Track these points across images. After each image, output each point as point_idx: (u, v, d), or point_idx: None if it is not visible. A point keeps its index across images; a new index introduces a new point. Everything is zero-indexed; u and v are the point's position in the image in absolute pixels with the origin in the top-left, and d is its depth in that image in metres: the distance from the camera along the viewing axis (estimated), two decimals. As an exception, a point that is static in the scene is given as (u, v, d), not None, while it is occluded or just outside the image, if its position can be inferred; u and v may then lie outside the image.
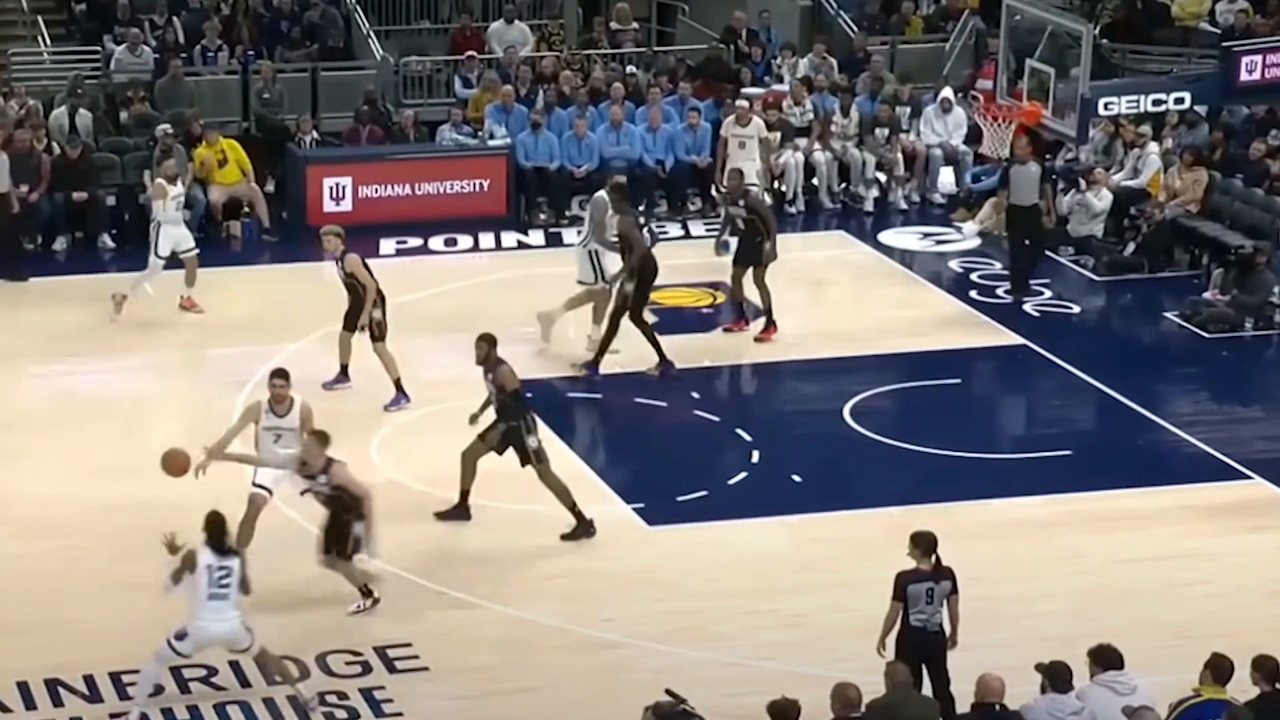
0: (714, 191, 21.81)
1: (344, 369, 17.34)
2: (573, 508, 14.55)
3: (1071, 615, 13.39)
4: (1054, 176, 22.57)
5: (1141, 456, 16.39)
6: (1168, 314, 19.70)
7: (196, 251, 19.44)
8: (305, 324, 18.95)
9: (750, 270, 18.43)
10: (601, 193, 18.48)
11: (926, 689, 11.32)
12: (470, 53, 24.40)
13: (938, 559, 11.81)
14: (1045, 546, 14.69)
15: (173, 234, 19.25)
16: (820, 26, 26.27)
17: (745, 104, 21.39)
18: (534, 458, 14.57)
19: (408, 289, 19.56)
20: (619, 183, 18.61)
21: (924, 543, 11.82)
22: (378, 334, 16.95)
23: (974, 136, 22.41)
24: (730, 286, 18.68)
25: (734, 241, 19.25)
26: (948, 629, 11.79)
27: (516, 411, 14.65)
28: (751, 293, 18.65)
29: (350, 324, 17.14)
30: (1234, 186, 21.29)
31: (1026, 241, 19.81)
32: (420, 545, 14.50)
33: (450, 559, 14.32)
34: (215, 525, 12.21)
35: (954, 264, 20.77)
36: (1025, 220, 19.50)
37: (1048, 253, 21.50)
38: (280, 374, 14.41)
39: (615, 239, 17.89)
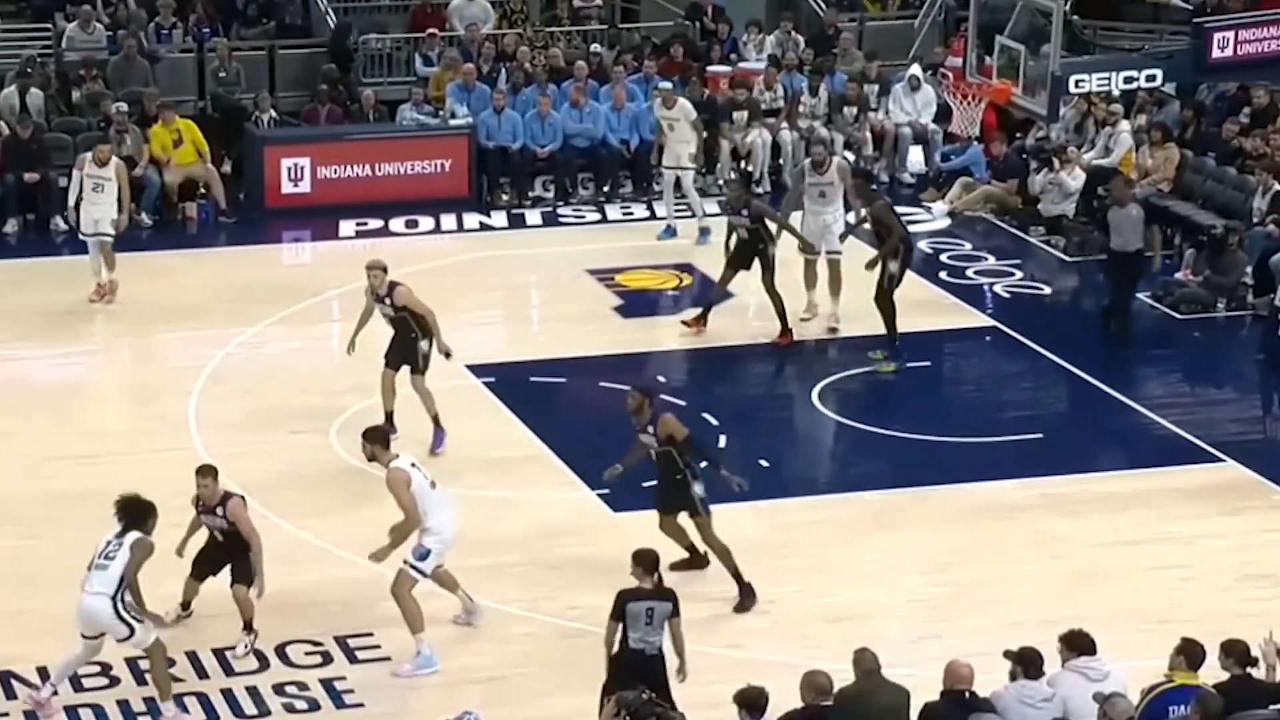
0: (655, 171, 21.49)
1: (389, 417, 15.63)
2: (735, 572, 13.40)
3: (1043, 600, 13.43)
4: (1024, 155, 22.64)
5: (1113, 439, 16.44)
6: (1140, 294, 19.73)
7: (111, 238, 18.83)
8: (262, 308, 18.89)
9: (740, 273, 18.17)
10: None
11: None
12: (431, 30, 24.32)
13: (660, 579, 11.58)
14: (1016, 531, 14.73)
15: (91, 214, 18.81)
16: (788, 3, 26.25)
17: (669, 86, 21.16)
18: (699, 508, 13.44)
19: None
20: (863, 170, 18.80)
21: (645, 561, 11.58)
22: (423, 367, 15.64)
23: (944, 115, 22.44)
24: (716, 284, 18.40)
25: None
26: (671, 653, 11.48)
27: (686, 462, 13.36)
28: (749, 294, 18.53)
29: (396, 361, 15.60)
30: (1206, 165, 21.34)
31: (1125, 283, 18.31)
32: (379, 532, 14.44)
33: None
34: (127, 505, 11.95)
35: (923, 245, 20.78)
36: (1129, 267, 18.05)
37: (1018, 232, 21.57)
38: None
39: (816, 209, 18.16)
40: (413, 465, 13.00)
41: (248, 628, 12.93)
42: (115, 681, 12.46)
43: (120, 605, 11.84)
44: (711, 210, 22.37)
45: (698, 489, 13.33)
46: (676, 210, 21.24)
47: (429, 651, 12.72)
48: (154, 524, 12.11)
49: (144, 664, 12.26)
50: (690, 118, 20.88)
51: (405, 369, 15.75)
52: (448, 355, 15.72)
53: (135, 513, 12.02)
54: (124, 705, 12.26)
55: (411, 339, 15.60)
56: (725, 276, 18.27)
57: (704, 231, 20.85)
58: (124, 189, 18.96)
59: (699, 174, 21.44)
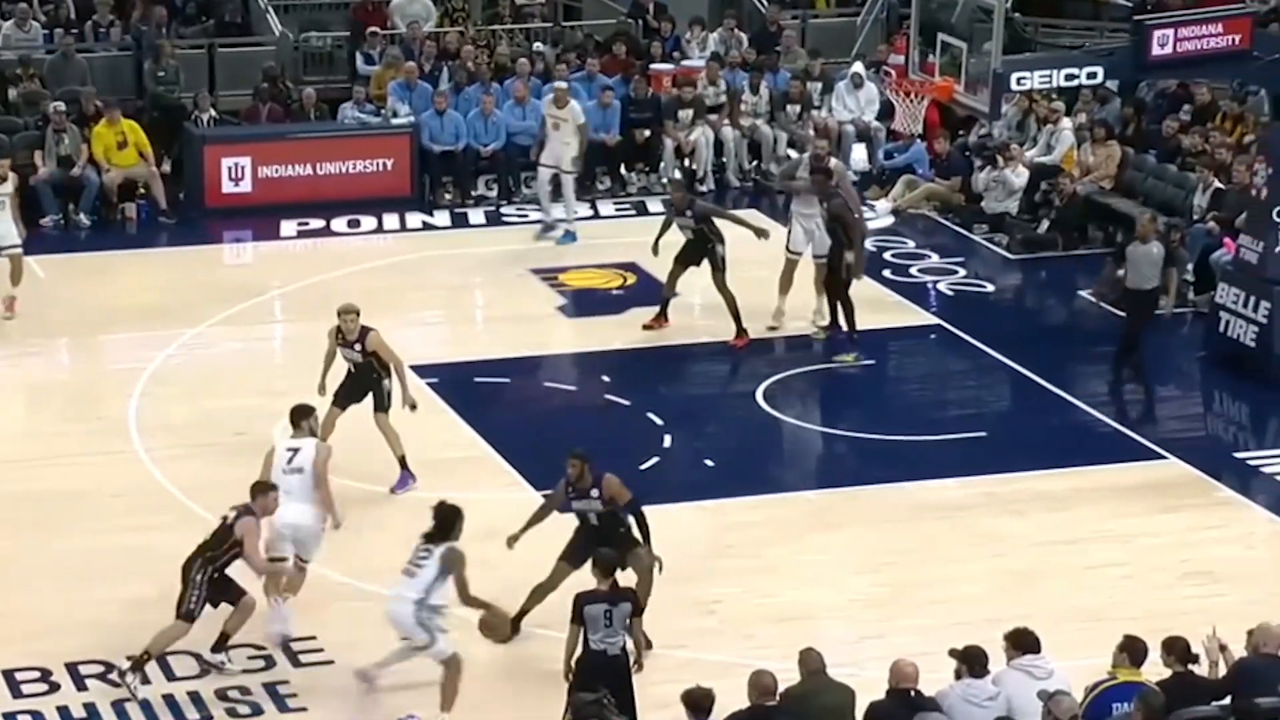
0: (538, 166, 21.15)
1: (401, 461, 15.29)
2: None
3: (987, 598, 13.51)
4: (967, 153, 22.74)
5: (1056, 437, 16.54)
6: (1082, 292, 19.88)
7: (19, 249, 18.47)
8: (202, 309, 18.81)
9: (684, 271, 18.15)
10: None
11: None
12: (372, 28, 24.25)
13: (615, 581, 11.66)
14: (961, 529, 14.80)
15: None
16: (731, 3, 26.29)
17: (564, 85, 21.08)
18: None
19: (310, 272, 19.49)
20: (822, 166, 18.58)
21: (602, 563, 11.68)
22: (388, 404, 15.23)
23: (887, 112, 22.52)
24: (665, 284, 18.36)
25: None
26: (632, 653, 11.53)
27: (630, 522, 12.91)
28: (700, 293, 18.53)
29: (345, 400, 15.18)
30: (1147, 163, 21.50)
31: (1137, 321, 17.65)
32: (325, 534, 14.41)
33: (354, 550, 14.22)
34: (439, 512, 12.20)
35: (867, 243, 20.78)
36: (1144, 305, 17.44)
37: (961, 230, 21.67)
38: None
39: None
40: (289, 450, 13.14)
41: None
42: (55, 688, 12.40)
43: (422, 612, 11.99)
44: (655, 209, 22.44)
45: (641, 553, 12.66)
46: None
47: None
48: (461, 529, 12.16)
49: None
50: (578, 121, 20.73)
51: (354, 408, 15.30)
52: (413, 408, 15.20)
53: (444, 521, 12.17)
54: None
55: (374, 379, 15.13)
56: (673, 274, 18.27)
57: (569, 234, 20.81)
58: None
59: (577, 179, 21.21)
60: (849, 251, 17.92)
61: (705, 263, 18.03)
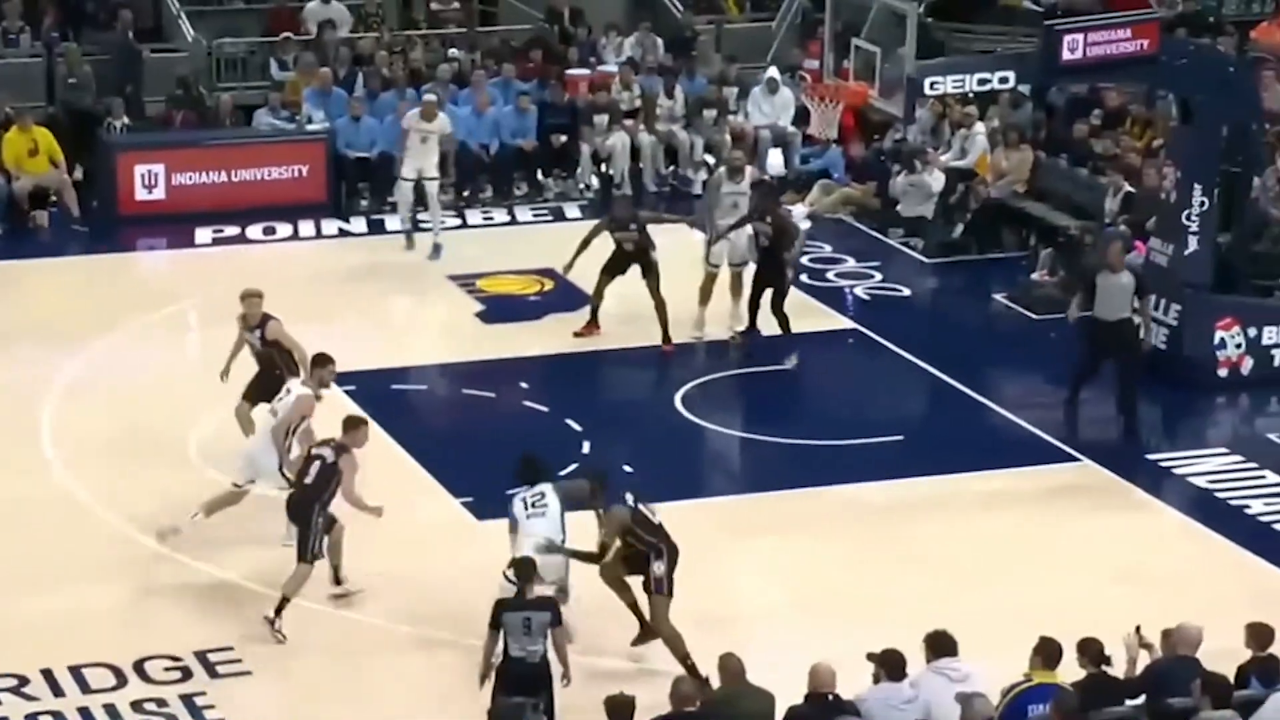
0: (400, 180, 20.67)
1: None
2: (685, 660, 12.46)
3: (905, 602, 13.57)
4: (882, 158, 22.87)
5: (973, 440, 16.65)
6: (996, 295, 20.04)
7: None
8: (116, 318, 18.66)
9: (612, 280, 18.13)
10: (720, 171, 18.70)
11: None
12: (286, 34, 24.13)
13: (526, 590, 11.59)
14: (878, 533, 14.87)
15: None
16: (645, 5, 26.33)
17: (433, 98, 20.83)
18: (655, 586, 12.71)
19: (225, 280, 19.28)
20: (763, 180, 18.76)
21: (522, 569, 11.69)
22: None
23: (802, 117, 22.60)
24: (593, 293, 18.27)
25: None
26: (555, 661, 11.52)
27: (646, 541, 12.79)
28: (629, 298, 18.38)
29: (255, 395, 15.15)
30: (1059, 166, 21.70)
31: (1118, 362, 16.81)
32: (241, 544, 14.34)
33: (272, 558, 14.15)
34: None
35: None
36: (1114, 338, 16.58)
37: (877, 234, 21.77)
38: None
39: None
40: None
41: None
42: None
43: (563, 552, 12.64)
44: (573, 215, 22.46)
45: (657, 568, 12.61)
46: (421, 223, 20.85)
47: None
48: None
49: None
50: (445, 132, 20.53)
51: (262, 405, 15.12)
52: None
53: (535, 462, 13.06)
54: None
55: (276, 376, 15.06)
56: (602, 283, 18.17)
57: (438, 248, 20.63)
58: None
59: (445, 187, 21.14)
60: (788, 254, 17.85)
61: (633, 270, 17.96)
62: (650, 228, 18.21)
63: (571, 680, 11.59)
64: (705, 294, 18.53)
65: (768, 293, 17.97)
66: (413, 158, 20.40)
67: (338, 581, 13.64)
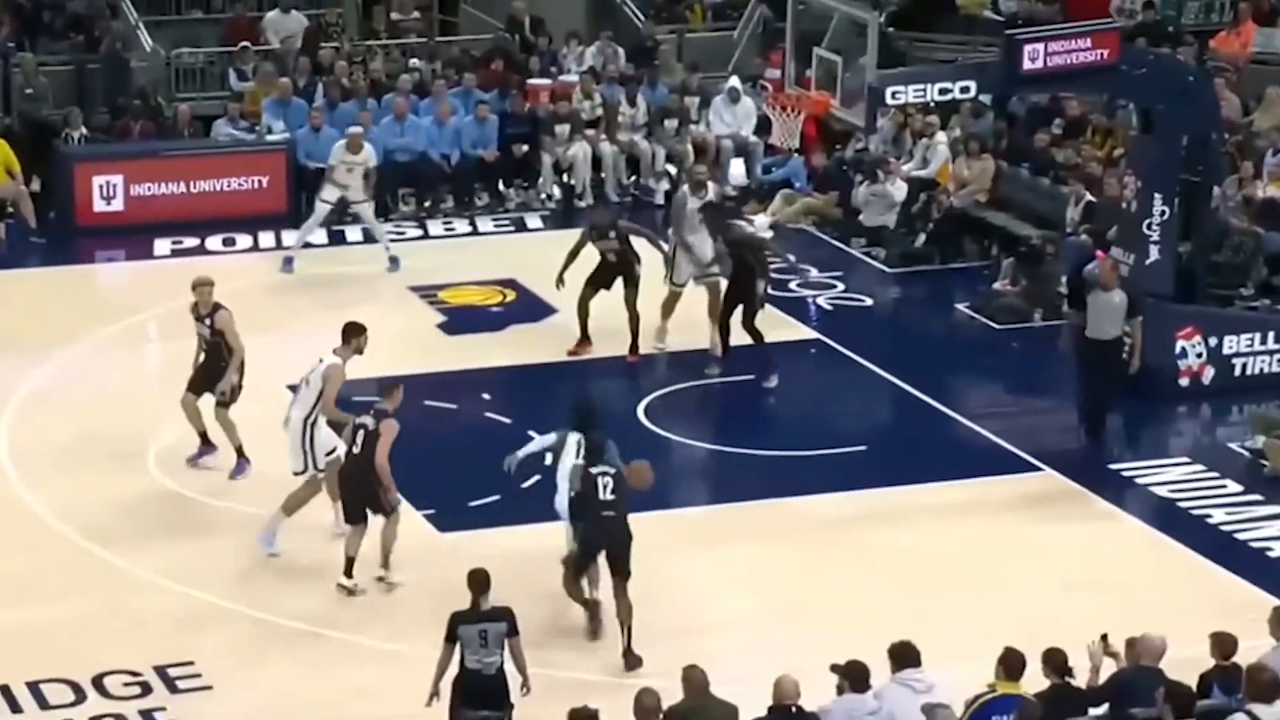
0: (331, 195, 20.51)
1: (204, 437, 15.72)
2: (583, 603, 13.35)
3: (869, 613, 13.60)
4: (844, 167, 22.93)
5: (936, 450, 16.70)
6: (959, 305, 20.11)
7: None
8: (74, 330, 18.57)
9: (596, 293, 18.03)
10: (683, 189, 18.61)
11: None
12: (245, 43, 24.08)
13: (480, 601, 11.62)
14: (841, 544, 14.91)
15: None
16: (606, 14, 26.37)
17: (358, 129, 20.67)
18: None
19: (184, 291, 19.16)
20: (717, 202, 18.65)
21: (476, 581, 11.65)
22: (230, 400, 15.55)
23: (764, 127, 22.64)
24: (577, 308, 18.10)
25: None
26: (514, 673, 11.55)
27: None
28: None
29: (200, 386, 15.47)
30: (1021, 176, 21.78)
31: (1103, 380, 16.71)
32: (201, 557, 14.30)
33: (234, 570, 14.14)
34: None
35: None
36: (1104, 357, 16.48)
37: (839, 244, 21.81)
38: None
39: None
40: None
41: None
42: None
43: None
44: (535, 225, 22.46)
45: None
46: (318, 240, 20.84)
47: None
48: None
49: None
50: (370, 165, 20.47)
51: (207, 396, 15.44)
52: (228, 392, 15.45)
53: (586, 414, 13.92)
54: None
55: (221, 368, 15.33)
56: (586, 296, 18.05)
57: (395, 260, 20.65)
58: None
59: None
60: (761, 280, 17.72)
61: (617, 283, 17.92)
62: (634, 240, 18.09)
63: (531, 690, 11.55)
64: (667, 309, 18.44)
65: (738, 311, 17.88)
66: (335, 185, 20.35)
67: (349, 574, 13.83)
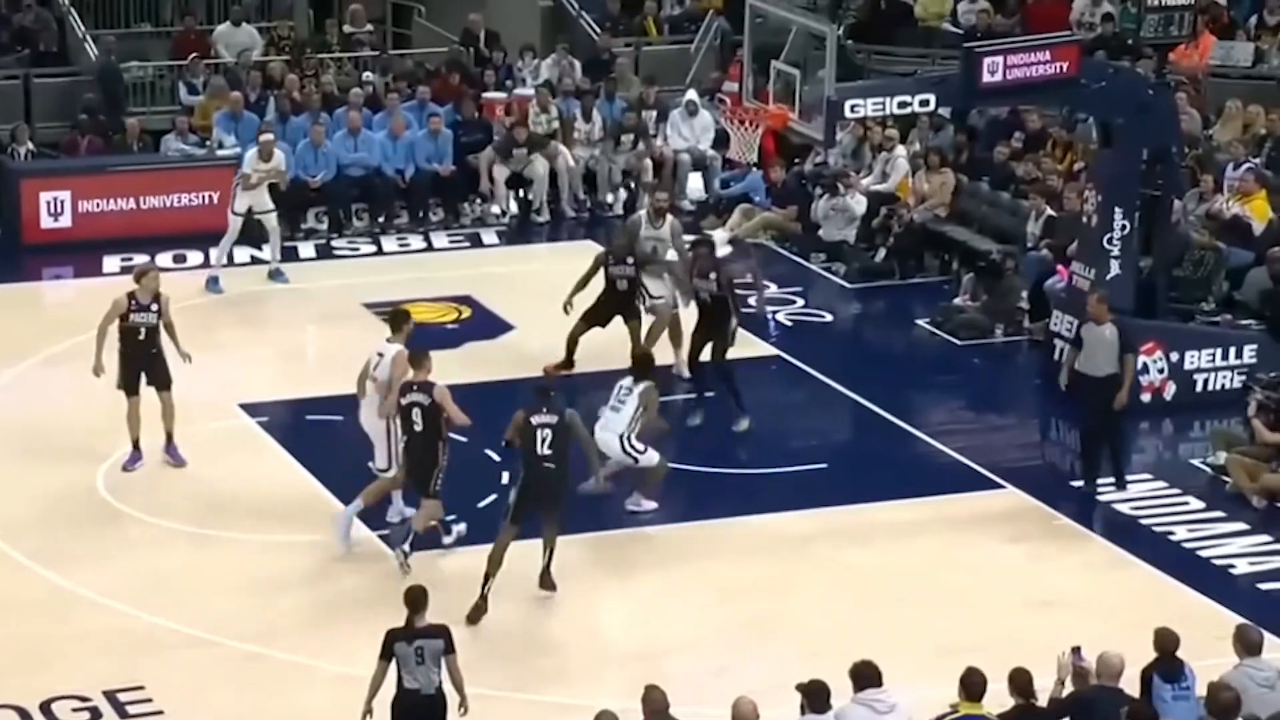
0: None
1: (169, 436, 16.12)
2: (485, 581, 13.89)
3: (831, 632, 13.64)
4: (803, 181, 22.99)
5: (897, 468, 16.75)
6: (919, 321, 20.17)
7: None
8: (22, 349, 18.49)
9: (589, 329, 17.87)
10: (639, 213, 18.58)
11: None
12: (194, 55, 24.01)
13: (415, 620, 11.58)
14: (803, 562, 14.93)
15: None
16: (562, 27, 26.39)
17: (270, 137, 20.73)
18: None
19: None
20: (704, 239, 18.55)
21: (412, 598, 11.60)
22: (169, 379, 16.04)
23: (722, 141, 22.70)
24: (567, 340, 17.92)
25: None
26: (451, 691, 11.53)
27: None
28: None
29: (137, 384, 15.90)
30: (981, 190, 21.88)
31: (1094, 419, 16.34)
32: (152, 579, 14.25)
33: (186, 593, 14.09)
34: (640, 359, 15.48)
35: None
36: (1099, 393, 16.06)
37: (799, 259, 21.86)
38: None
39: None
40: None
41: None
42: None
43: (626, 442, 15.10)
44: (490, 241, 22.45)
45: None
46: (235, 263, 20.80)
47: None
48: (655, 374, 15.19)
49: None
50: (281, 169, 20.52)
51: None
52: (188, 359, 16.17)
53: (644, 362, 15.42)
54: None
55: (155, 353, 15.82)
56: (578, 331, 17.80)
57: (277, 274, 20.69)
58: None
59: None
60: (734, 317, 17.51)
61: (618, 318, 17.73)
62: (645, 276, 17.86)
63: (469, 710, 11.52)
64: (675, 334, 18.13)
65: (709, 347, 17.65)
66: (244, 196, 20.31)
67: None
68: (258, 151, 20.39)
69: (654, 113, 23.84)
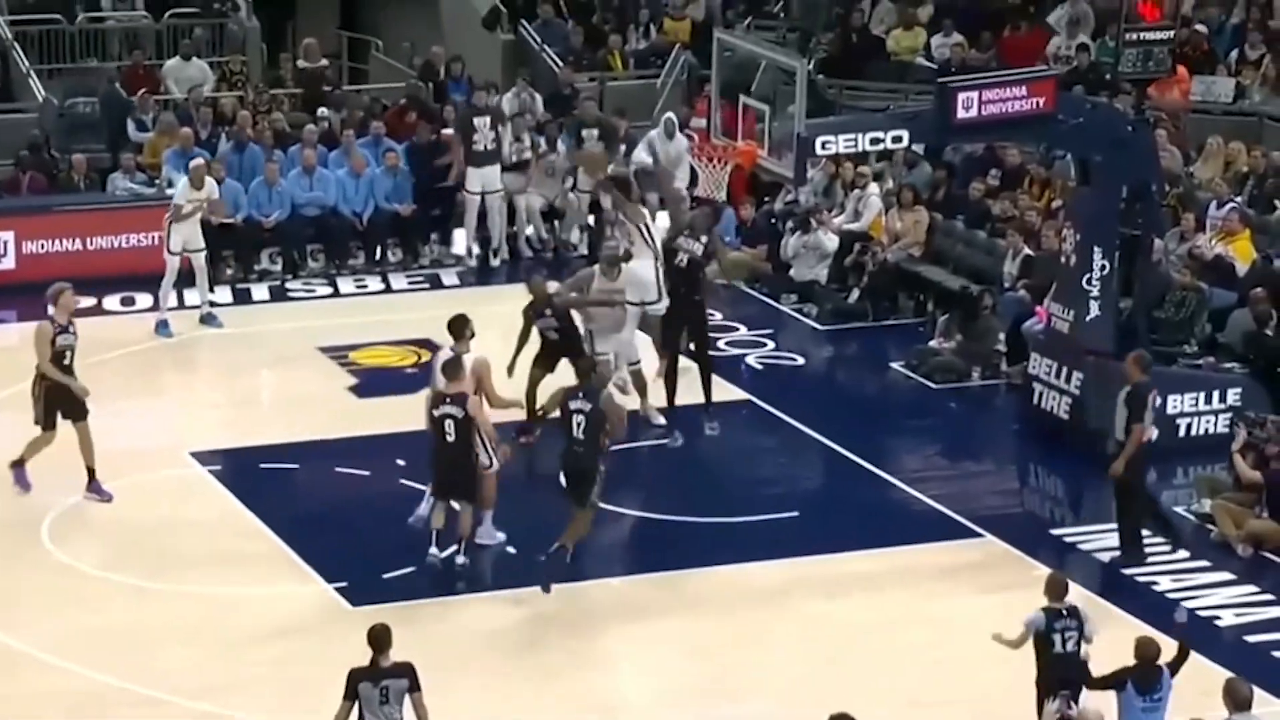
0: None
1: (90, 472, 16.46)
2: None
3: (804, 684, 13.71)
4: (773, 220, 23.10)
5: (871, 516, 16.83)
6: (894, 364, 20.28)
7: None
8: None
9: (545, 376, 17.68)
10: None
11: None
12: (143, 91, 24.07)
13: (379, 659, 11.71)
14: (774, 614, 15.00)
15: None
16: (524, 62, 26.52)
17: (200, 163, 20.87)
18: None
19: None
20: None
21: (375, 637, 11.68)
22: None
23: (691, 179, 22.75)
24: (525, 397, 17.62)
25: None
26: None
27: None
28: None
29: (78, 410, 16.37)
30: (956, 229, 21.99)
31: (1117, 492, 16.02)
32: (101, 635, 14.25)
33: (135, 649, 14.08)
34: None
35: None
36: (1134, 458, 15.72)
37: (769, 300, 21.94)
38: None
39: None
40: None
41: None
42: None
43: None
44: (451, 282, 22.50)
45: None
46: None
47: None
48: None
49: None
50: (214, 197, 20.59)
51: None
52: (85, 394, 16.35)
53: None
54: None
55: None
56: (534, 379, 17.65)
57: (210, 318, 20.74)
58: None
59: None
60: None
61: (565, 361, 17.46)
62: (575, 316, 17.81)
63: None
64: (640, 383, 18.23)
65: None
66: (177, 232, 20.33)
67: (438, 546, 15.32)
68: (189, 180, 20.43)
69: (622, 146, 23.69)
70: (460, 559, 15.22)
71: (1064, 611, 12.39)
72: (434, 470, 15.45)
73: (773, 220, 23.09)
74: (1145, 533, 15.99)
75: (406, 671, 11.62)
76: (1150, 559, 15.87)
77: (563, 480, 15.26)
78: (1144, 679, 11.62)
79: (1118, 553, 15.96)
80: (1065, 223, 18.87)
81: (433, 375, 15.95)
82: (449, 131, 23.84)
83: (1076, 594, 15.50)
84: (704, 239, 17.80)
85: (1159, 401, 16.55)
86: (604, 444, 15.20)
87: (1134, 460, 15.70)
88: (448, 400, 15.15)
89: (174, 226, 20.35)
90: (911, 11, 26.90)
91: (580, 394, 15.28)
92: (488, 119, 22.74)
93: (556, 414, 15.34)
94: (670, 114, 23.79)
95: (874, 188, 22.62)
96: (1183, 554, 16.06)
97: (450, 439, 15.12)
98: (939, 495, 17.10)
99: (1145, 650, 11.83)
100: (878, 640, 14.58)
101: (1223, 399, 18.12)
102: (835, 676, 13.90)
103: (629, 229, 18.39)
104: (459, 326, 15.95)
